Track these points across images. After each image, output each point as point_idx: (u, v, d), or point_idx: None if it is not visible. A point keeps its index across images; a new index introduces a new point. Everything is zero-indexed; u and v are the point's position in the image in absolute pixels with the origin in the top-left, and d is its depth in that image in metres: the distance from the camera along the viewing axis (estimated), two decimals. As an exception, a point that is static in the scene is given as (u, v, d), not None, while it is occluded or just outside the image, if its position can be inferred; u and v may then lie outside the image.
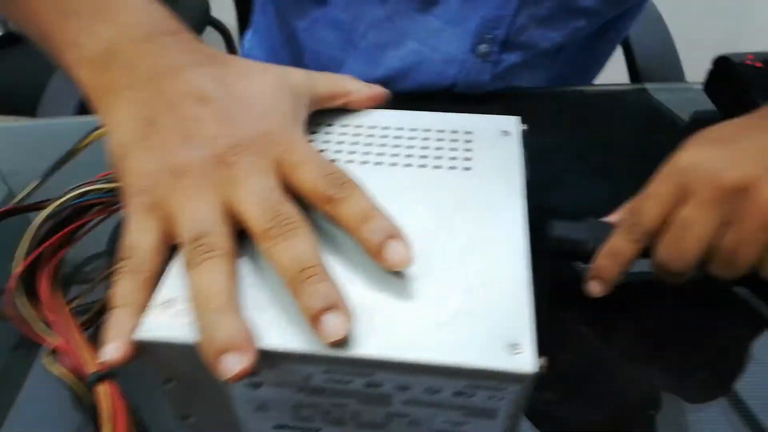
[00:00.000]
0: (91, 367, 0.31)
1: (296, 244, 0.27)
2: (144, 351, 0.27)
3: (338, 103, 0.37)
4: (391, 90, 0.39)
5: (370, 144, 0.35)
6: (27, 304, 0.34)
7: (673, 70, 0.72)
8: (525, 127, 0.36)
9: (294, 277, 0.27)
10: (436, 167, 0.33)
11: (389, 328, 0.26)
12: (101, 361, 0.26)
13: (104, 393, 0.30)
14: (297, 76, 0.35)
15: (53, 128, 0.62)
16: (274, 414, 0.30)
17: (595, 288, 0.37)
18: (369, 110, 0.38)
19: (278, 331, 0.26)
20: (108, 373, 0.31)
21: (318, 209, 0.30)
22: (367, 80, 0.38)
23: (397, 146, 0.35)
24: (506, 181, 0.32)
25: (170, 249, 0.29)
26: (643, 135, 0.58)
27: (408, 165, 0.34)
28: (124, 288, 0.28)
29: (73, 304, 0.36)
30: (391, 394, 0.27)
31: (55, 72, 0.69)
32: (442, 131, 0.36)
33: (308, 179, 0.29)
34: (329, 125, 0.37)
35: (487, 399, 0.26)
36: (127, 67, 0.32)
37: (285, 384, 0.27)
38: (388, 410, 0.28)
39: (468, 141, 0.35)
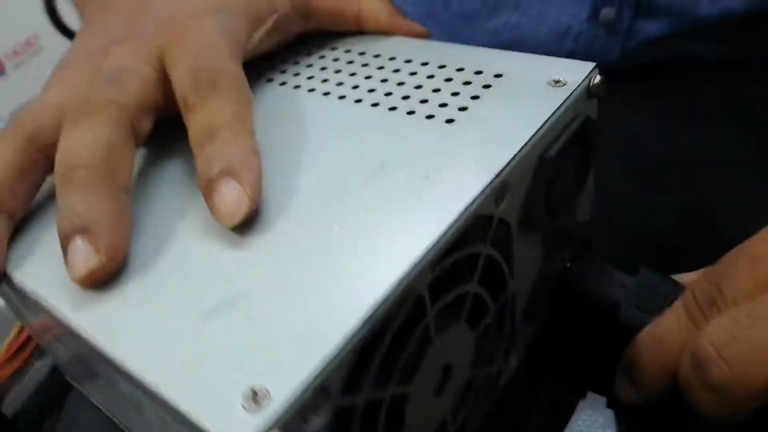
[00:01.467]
0: None
1: (83, 133, 0.19)
2: None
3: (346, 26, 0.27)
4: None
5: (354, 74, 0.24)
6: None
7: None
8: (598, 79, 0.21)
9: (58, 176, 0.19)
10: (409, 113, 0.21)
11: (124, 302, 0.17)
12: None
13: None
14: None
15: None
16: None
17: (625, 391, 0.20)
18: (387, 37, 0.27)
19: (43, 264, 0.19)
20: None
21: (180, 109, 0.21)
22: None
23: (384, 81, 0.23)
24: (486, 155, 0.18)
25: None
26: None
27: (375, 104, 0.22)
28: None
29: None
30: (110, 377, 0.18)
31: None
32: (460, 69, 0.23)
33: (176, 75, 0.21)
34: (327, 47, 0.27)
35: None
36: None
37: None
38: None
39: (485, 86, 0.22)
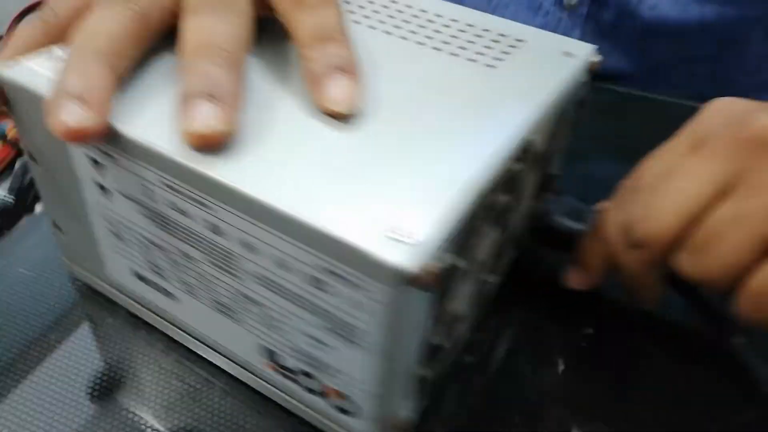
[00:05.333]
0: None
1: (216, 22, 0.21)
2: (8, 98, 0.22)
3: None
4: None
5: (392, 17, 0.28)
6: None
7: None
8: (599, 58, 0.27)
9: (190, 52, 0.20)
10: (453, 54, 0.26)
11: (261, 160, 0.19)
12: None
13: None
14: None
15: None
16: (129, 252, 0.23)
17: (575, 278, 0.27)
18: None
19: (129, 114, 0.20)
20: None
21: (279, 14, 0.23)
22: None
23: (422, 27, 0.27)
24: (528, 93, 0.23)
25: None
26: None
27: (421, 43, 0.26)
28: (23, 31, 0.23)
29: None
30: (234, 253, 0.20)
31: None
32: (486, 30, 0.28)
33: None
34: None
35: (346, 302, 0.18)
36: None
37: (129, 196, 0.21)
38: (237, 284, 0.21)
39: (511, 46, 0.27)
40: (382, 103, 0.22)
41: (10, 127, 0.32)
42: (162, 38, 0.22)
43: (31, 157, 0.24)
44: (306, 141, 0.20)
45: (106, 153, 0.20)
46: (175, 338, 0.25)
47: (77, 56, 0.20)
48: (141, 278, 0.24)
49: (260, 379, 0.23)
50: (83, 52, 0.20)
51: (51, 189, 0.24)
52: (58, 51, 0.23)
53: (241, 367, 0.24)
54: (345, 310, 0.18)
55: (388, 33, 0.27)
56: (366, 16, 0.28)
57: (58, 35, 0.23)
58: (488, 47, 0.26)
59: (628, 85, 0.44)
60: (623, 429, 0.24)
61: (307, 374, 0.21)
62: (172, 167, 0.19)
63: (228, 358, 0.24)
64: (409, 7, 0.29)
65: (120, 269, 0.25)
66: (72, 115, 0.18)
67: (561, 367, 0.27)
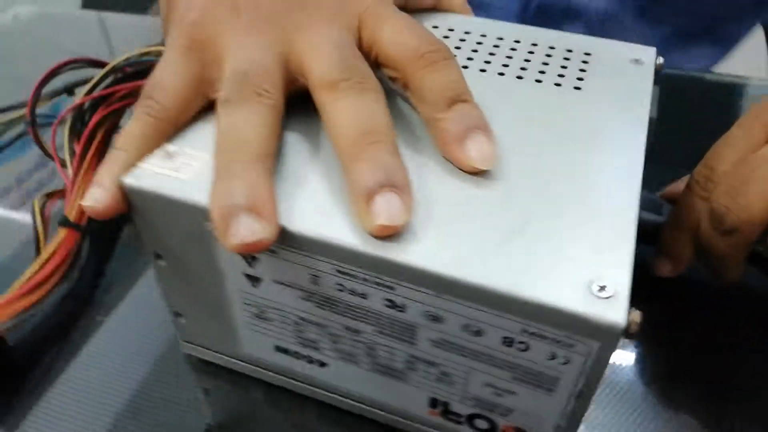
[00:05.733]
0: (69, 212, 0.30)
1: (367, 103, 0.21)
2: (133, 205, 0.22)
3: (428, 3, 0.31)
4: None
5: (458, 48, 0.29)
6: (68, 133, 0.32)
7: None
8: (661, 60, 0.28)
9: (355, 140, 0.20)
10: (537, 81, 0.26)
11: (432, 232, 0.20)
12: (84, 204, 0.21)
13: (62, 236, 0.29)
14: None
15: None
16: (275, 329, 0.24)
17: (664, 267, 0.29)
18: (466, 17, 0.31)
19: (290, 209, 0.20)
20: (79, 226, 0.30)
21: (399, 71, 0.23)
22: None
23: (492, 54, 0.28)
24: (626, 110, 0.25)
25: (201, 103, 0.24)
26: None
27: (501, 74, 0.27)
28: (132, 130, 0.22)
29: None
30: (416, 324, 0.20)
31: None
32: (552, 48, 0.29)
33: (396, 36, 0.23)
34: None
35: (546, 358, 0.19)
36: None
37: (288, 284, 0.21)
38: (412, 351, 0.21)
39: (584, 62, 0.28)
40: (502, 149, 0.23)
41: (70, 204, 0.31)
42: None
43: (156, 255, 0.23)
44: (458, 204, 0.21)
45: (268, 250, 0.21)
46: (318, 398, 0.26)
47: (234, 163, 0.20)
48: (283, 351, 0.24)
49: (419, 424, 0.24)
50: (239, 157, 0.20)
51: (176, 282, 0.24)
52: (171, 147, 0.22)
53: (398, 416, 0.25)
54: (541, 364, 0.19)
55: (465, 67, 0.27)
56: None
57: (168, 129, 0.23)
58: (564, 67, 0.27)
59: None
60: None
61: (480, 416, 0.23)
62: (352, 257, 0.19)
63: (381, 410, 0.25)
64: (467, 34, 0.29)
65: (257, 345, 0.25)
66: (247, 230, 0.19)
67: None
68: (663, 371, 0.28)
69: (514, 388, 0.21)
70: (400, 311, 0.20)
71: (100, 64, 0.36)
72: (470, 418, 0.23)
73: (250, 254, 0.21)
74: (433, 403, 0.23)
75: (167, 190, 0.21)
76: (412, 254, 0.19)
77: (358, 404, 0.25)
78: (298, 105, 0.23)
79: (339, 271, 0.20)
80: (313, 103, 0.23)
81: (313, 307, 0.22)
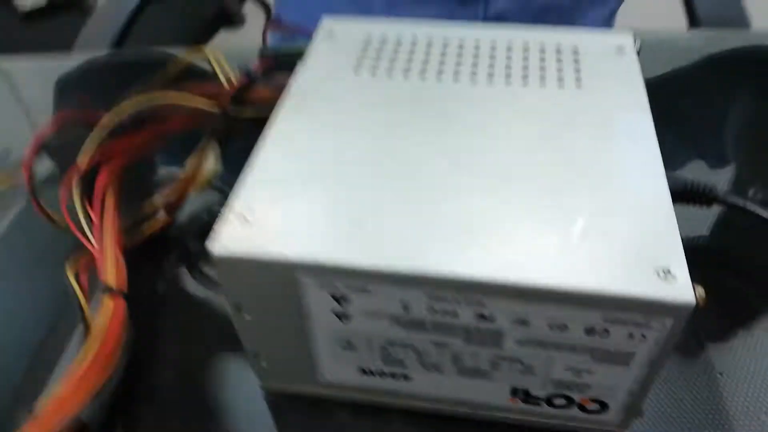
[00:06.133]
0: (109, 279, 0.30)
1: None
2: (220, 270, 0.23)
3: None
4: None
5: (459, 62, 0.31)
6: (79, 200, 0.32)
7: (737, 17, 0.66)
8: (639, 43, 0.32)
9: None
10: (542, 86, 0.29)
11: (508, 247, 0.22)
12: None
13: (108, 306, 0.29)
14: None
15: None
16: (361, 355, 0.25)
17: None
18: (449, 25, 0.33)
19: (378, 247, 0.22)
20: (122, 292, 0.30)
21: None
22: None
23: (491, 63, 0.30)
24: (627, 99, 0.28)
25: None
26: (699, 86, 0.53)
27: (508, 83, 0.29)
28: None
29: (125, 223, 0.34)
30: (504, 330, 0.23)
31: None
32: (542, 50, 0.31)
33: None
34: (402, 39, 0.33)
35: (624, 338, 0.22)
36: None
37: (380, 315, 0.23)
38: (498, 352, 0.24)
39: (575, 60, 0.31)
40: (535, 153, 0.25)
41: (106, 270, 0.31)
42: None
43: (236, 309, 0.25)
44: (515, 213, 0.23)
45: (361, 289, 0.22)
46: (402, 407, 0.28)
47: None
48: (368, 372, 0.26)
49: (499, 412, 0.27)
50: None
51: (257, 329, 0.26)
52: (241, 208, 0.24)
53: (478, 409, 0.27)
54: (620, 344, 0.22)
55: (474, 81, 0.29)
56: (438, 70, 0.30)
57: None
58: (560, 69, 0.30)
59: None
60: None
61: (558, 396, 0.25)
62: (444, 283, 0.22)
63: (463, 407, 0.27)
64: (461, 47, 0.32)
65: (340, 371, 0.27)
66: None
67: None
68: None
69: (593, 367, 0.24)
70: (490, 322, 0.23)
71: (88, 121, 0.36)
72: (549, 398, 0.26)
73: (342, 295, 0.23)
74: (514, 391, 0.26)
75: (255, 251, 0.22)
76: (499, 270, 0.21)
77: (440, 406, 0.28)
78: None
79: (431, 297, 0.22)
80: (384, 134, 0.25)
81: (401, 330, 0.24)
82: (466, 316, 0.23)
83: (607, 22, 0.67)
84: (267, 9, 1.43)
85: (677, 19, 0.68)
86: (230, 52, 0.34)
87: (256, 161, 0.25)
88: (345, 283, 0.22)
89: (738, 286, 0.33)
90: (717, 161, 0.41)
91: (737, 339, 0.30)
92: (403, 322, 0.23)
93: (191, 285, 0.35)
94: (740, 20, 0.64)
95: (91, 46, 0.63)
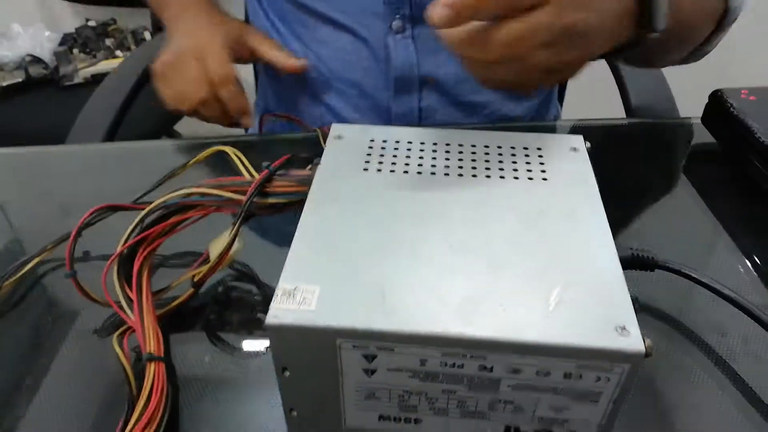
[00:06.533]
0: (150, 347, 0.36)
1: None
2: (272, 337, 0.28)
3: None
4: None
5: (448, 159, 0.38)
6: (117, 282, 0.38)
7: (667, 106, 0.77)
8: (588, 144, 0.39)
9: None
10: (515, 178, 0.36)
11: (503, 313, 0.28)
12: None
13: (152, 370, 0.35)
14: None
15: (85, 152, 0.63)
16: (381, 404, 0.31)
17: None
18: (436, 129, 0.41)
19: (401, 315, 0.28)
20: (161, 357, 0.36)
21: None
22: None
23: (473, 161, 0.37)
24: (584, 190, 0.35)
25: None
26: (638, 168, 0.61)
27: (488, 177, 0.36)
28: None
29: (157, 297, 0.40)
30: (501, 378, 0.29)
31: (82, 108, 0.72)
32: (500, 147, 0.39)
33: None
34: (399, 142, 0.40)
35: (593, 381, 0.28)
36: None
37: (400, 369, 0.29)
38: (495, 396, 0.30)
39: (540, 156, 0.38)
40: (515, 236, 0.32)
41: (145, 339, 0.36)
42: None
43: (282, 369, 0.30)
44: (503, 286, 0.30)
45: (388, 349, 0.28)
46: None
47: None
48: (386, 418, 0.32)
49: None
50: None
51: (297, 386, 0.31)
52: (288, 286, 0.29)
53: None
54: (591, 385, 0.29)
55: (447, 174, 0.36)
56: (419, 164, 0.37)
57: None
58: (528, 163, 0.37)
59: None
60: None
61: (543, 430, 0.31)
62: (455, 342, 0.28)
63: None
64: (448, 147, 0.39)
65: (362, 419, 0.32)
66: None
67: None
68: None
69: (570, 405, 0.30)
70: (489, 371, 0.29)
71: (127, 208, 0.41)
72: (535, 433, 0.32)
73: (371, 355, 0.29)
74: (507, 430, 0.32)
75: (303, 321, 0.28)
76: (498, 331, 0.27)
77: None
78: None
79: (444, 353, 0.28)
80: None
81: (417, 381, 0.30)
82: (470, 367, 0.29)
83: (535, 110, 0.74)
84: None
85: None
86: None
87: (294, 247, 0.31)
88: (376, 344, 0.28)
89: (680, 335, 0.40)
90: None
91: (682, 379, 0.37)
92: (420, 375, 0.29)
93: (217, 348, 0.40)
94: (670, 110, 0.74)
95: (85, 138, 0.68)
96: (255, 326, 0.42)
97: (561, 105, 0.87)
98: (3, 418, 0.36)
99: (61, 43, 1.43)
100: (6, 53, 1.36)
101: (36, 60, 1.35)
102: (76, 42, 1.44)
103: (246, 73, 0.99)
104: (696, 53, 0.59)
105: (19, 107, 1.28)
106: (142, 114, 0.83)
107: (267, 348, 0.39)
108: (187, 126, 1.29)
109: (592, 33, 0.37)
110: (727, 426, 0.35)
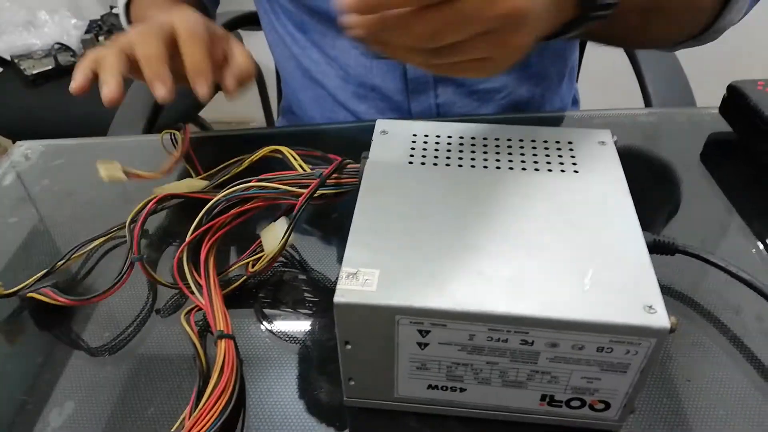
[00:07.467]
0: (220, 326, 0.40)
1: None
2: (338, 314, 0.32)
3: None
4: None
5: (486, 153, 0.41)
6: (187, 267, 0.42)
7: (685, 96, 0.80)
8: (616, 138, 0.42)
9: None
10: (549, 171, 0.39)
11: (543, 293, 0.32)
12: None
13: (223, 347, 0.39)
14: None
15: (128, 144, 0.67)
16: (430, 374, 0.35)
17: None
18: (474, 124, 0.44)
19: (453, 294, 0.32)
20: (230, 335, 0.39)
21: None
22: None
23: (510, 154, 0.41)
24: (613, 181, 0.38)
25: None
26: (658, 156, 0.64)
27: (524, 170, 0.40)
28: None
29: (220, 276, 0.44)
30: (540, 351, 0.32)
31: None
32: (546, 141, 0.42)
33: None
34: (440, 136, 0.43)
35: (623, 354, 0.32)
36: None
37: (450, 343, 0.33)
38: (534, 367, 0.33)
39: (570, 150, 0.41)
40: (552, 226, 0.35)
41: (216, 319, 0.40)
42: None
43: (344, 343, 0.34)
44: (542, 266, 0.33)
45: (440, 325, 0.32)
46: (457, 415, 0.37)
47: None
48: (434, 387, 0.36)
49: (530, 414, 0.37)
50: None
51: (357, 358, 0.35)
52: (350, 269, 0.33)
53: (515, 412, 0.37)
54: (620, 358, 0.32)
55: (498, 168, 0.40)
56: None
57: None
58: (560, 156, 0.40)
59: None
60: None
61: (575, 399, 0.35)
62: (501, 319, 0.31)
63: (504, 412, 0.37)
64: (485, 140, 0.42)
65: (413, 388, 0.36)
66: None
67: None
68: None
69: (601, 375, 0.33)
70: (530, 345, 0.32)
71: (187, 197, 0.45)
72: (568, 401, 0.35)
73: (425, 330, 0.32)
74: (543, 397, 0.35)
75: (366, 299, 0.31)
76: (539, 309, 0.31)
77: (486, 411, 0.37)
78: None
79: (490, 329, 0.32)
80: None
81: (465, 354, 0.33)
82: (513, 341, 0.32)
83: (552, 90, 0.76)
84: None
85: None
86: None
87: (352, 235, 0.35)
88: (430, 321, 0.32)
89: (698, 314, 0.43)
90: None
91: (700, 354, 0.41)
92: (467, 348, 0.33)
93: (273, 325, 0.44)
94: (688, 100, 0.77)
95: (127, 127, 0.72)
96: (300, 305, 0.45)
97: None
98: (78, 386, 0.40)
99: (87, 31, 1.46)
100: (35, 41, 1.39)
101: (64, 48, 1.39)
102: (101, 29, 1.48)
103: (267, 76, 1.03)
104: (708, 32, 0.58)
105: (49, 95, 1.32)
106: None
107: (313, 326, 0.43)
108: (213, 112, 1.33)
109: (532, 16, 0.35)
110: (741, 397, 0.38)
